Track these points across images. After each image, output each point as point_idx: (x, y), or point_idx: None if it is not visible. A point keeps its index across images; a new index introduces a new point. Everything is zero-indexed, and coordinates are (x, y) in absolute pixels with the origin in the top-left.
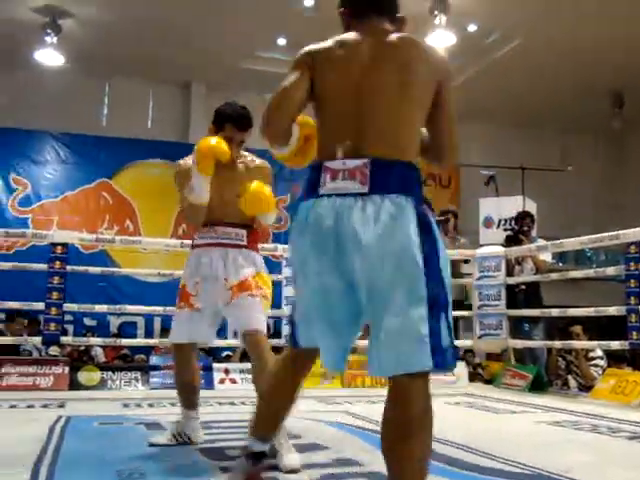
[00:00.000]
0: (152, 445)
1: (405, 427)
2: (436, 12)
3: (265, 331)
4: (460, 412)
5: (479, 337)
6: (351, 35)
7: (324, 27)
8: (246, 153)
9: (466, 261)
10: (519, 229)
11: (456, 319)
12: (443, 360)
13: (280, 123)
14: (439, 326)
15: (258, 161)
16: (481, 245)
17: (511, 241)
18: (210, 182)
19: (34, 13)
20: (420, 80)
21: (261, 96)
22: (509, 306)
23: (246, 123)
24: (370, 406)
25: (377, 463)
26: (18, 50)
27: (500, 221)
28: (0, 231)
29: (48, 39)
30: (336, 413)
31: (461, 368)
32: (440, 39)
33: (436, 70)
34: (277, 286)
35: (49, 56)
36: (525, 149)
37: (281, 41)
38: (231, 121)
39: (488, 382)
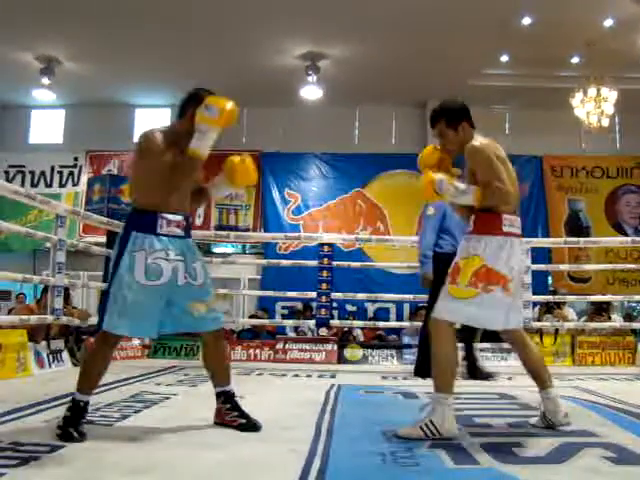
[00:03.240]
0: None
1: None
2: None
3: (441, 316)
4: None
5: None
6: None
7: (541, 42)
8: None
9: None
10: None
11: None
12: None
13: None
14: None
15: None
16: None
17: None
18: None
19: (298, 60)
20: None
21: (485, 109)
22: None
23: (432, 121)
24: (600, 382)
25: (612, 436)
26: (288, 90)
27: None
28: (280, 235)
29: (310, 78)
30: (569, 389)
31: None
32: None
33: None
34: None
35: (311, 92)
36: None
37: (504, 58)
38: None
39: None
